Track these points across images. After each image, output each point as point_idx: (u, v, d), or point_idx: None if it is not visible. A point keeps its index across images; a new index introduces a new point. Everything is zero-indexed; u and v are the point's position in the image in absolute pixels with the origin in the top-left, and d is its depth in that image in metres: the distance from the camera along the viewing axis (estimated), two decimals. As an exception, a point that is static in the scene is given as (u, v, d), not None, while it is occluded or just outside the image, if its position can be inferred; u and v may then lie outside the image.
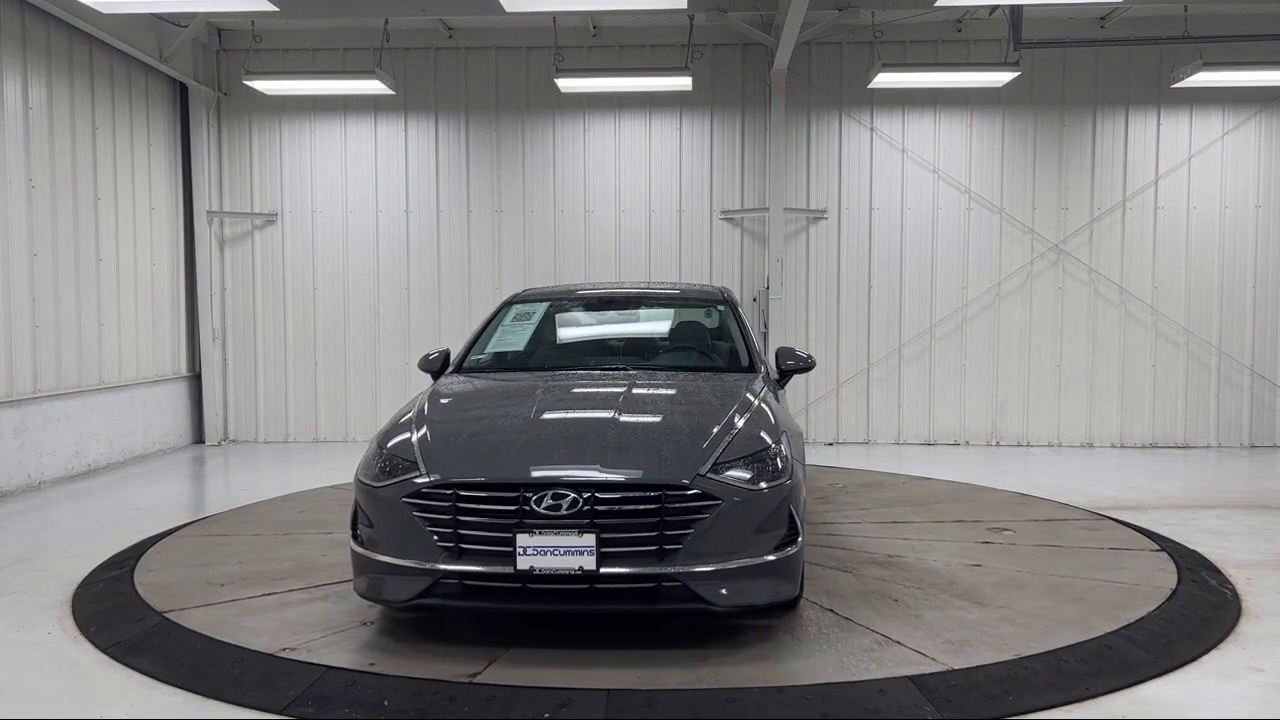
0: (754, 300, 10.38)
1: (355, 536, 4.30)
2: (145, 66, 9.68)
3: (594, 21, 10.08)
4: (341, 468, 8.97)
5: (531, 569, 3.86)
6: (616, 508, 3.90)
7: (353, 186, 10.68)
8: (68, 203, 8.61)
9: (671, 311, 6.30)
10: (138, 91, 9.70)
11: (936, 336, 10.48)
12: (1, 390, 7.76)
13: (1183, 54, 9.64)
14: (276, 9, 7.71)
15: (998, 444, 10.43)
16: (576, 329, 6.18)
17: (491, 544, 3.91)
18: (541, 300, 6.27)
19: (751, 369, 5.48)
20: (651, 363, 5.67)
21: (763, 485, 4.04)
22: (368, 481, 4.23)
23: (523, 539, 3.86)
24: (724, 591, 3.92)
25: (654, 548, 3.88)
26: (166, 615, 4.59)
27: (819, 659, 4.04)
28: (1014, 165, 10.39)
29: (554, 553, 3.84)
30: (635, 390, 4.87)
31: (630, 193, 10.59)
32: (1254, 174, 10.27)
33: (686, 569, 3.87)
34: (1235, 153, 10.26)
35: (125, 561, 5.59)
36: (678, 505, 3.90)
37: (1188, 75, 9.11)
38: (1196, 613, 4.65)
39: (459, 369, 5.60)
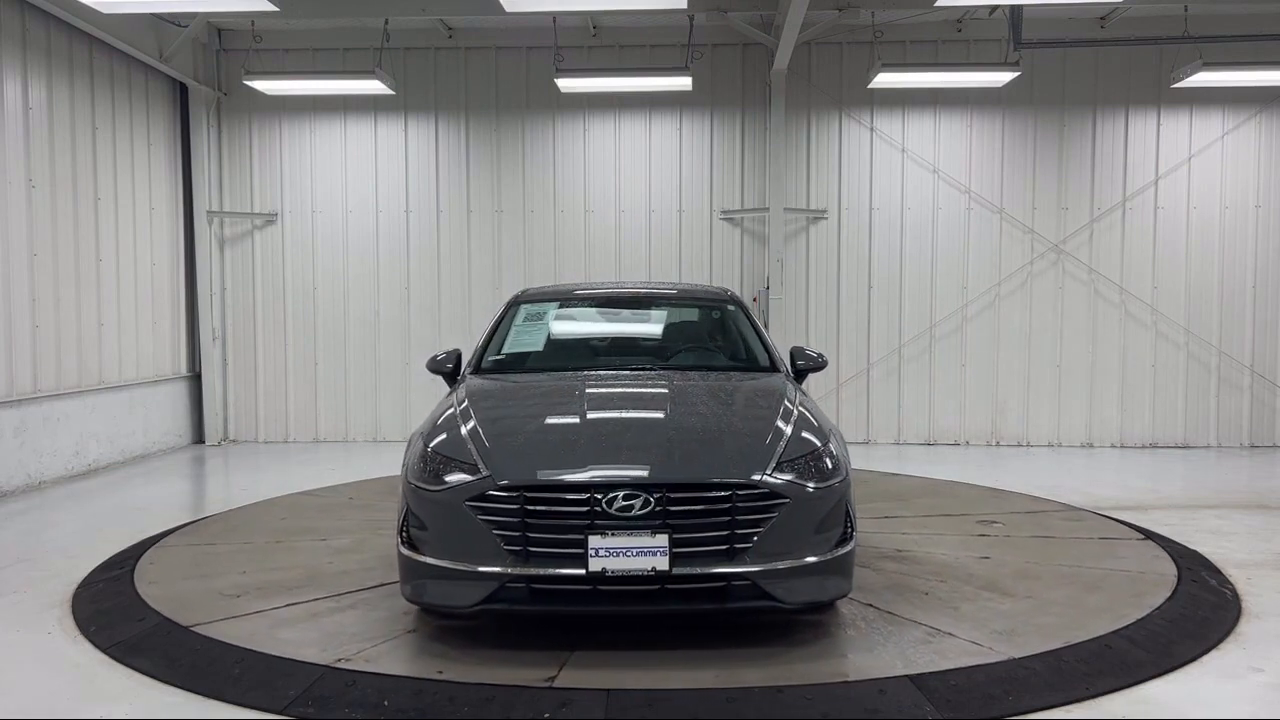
0: (754, 300, 10.38)
1: (405, 541, 4.17)
2: (145, 66, 9.68)
3: (594, 21, 10.08)
4: (341, 468, 8.98)
5: (604, 571, 3.83)
6: (689, 508, 3.91)
7: (353, 186, 10.68)
8: (68, 203, 8.61)
9: (683, 311, 6.28)
10: (138, 91, 9.70)
11: (936, 336, 10.49)
12: (1, 390, 7.76)
13: (1183, 54, 9.64)
14: (276, 9, 7.71)
15: (998, 444, 10.43)
16: (592, 328, 6.11)
17: (561, 546, 3.87)
18: (550, 300, 6.19)
19: (774, 368, 5.53)
20: (676, 363, 5.68)
21: (825, 483, 4.12)
22: (423, 485, 4.12)
23: (595, 540, 3.83)
24: (792, 589, 3.98)
25: (725, 547, 3.90)
26: (194, 629, 4.39)
27: (882, 652, 4.11)
28: (1014, 165, 10.39)
29: (626, 554, 3.83)
30: (676, 390, 4.88)
31: (630, 193, 10.59)
32: (1254, 174, 10.27)
33: (756, 567, 3.90)
34: (1235, 153, 10.26)
35: (125, 561, 5.59)
36: (748, 504, 3.94)
37: (1188, 75, 9.11)
38: (1196, 613, 4.65)
39: (479, 369, 5.50)
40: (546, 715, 3.52)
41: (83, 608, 4.83)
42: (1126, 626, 4.38)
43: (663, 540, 3.83)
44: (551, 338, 5.94)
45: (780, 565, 3.93)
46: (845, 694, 3.68)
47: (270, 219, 10.70)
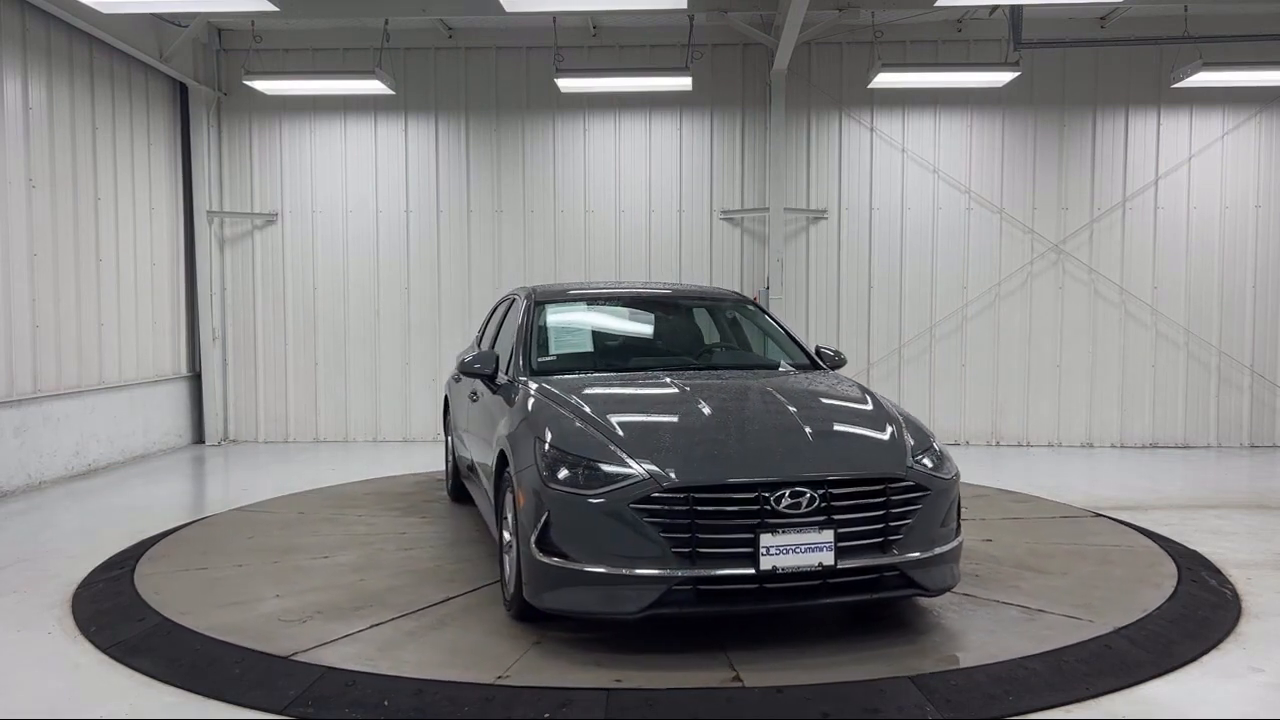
0: (754, 300, 10.38)
1: (546, 549, 4.01)
2: (145, 66, 9.68)
3: (594, 21, 10.08)
4: (341, 468, 8.97)
5: (774, 569, 3.85)
6: (851, 502, 4.00)
7: (353, 186, 10.68)
8: (68, 203, 8.61)
9: (711, 311, 6.28)
10: (138, 91, 9.70)
11: (936, 336, 10.48)
12: (1, 390, 7.76)
13: (1183, 54, 9.63)
14: (276, 9, 7.71)
15: (998, 444, 10.43)
16: (628, 329, 6.05)
17: (731, 546, 3.86)
18: (573, 300, 6.08)
19: (815, 365, 5.63)
20: (726, 360, 5.78)
21: (951, 474, 4.32)
22: (575, 489, 3.98)
23: (766, 539, 3.85)
24: (932, 577, 4.15)
25: (879, 539, 4.02)
26: (293, 658, 4.03)
27: (1004, 635, 4.27)
28: (1014, 165, 10.39)
29: (795, 551, 3.87)
30: (776, 388, 4.92)
31: (630, 193, 10.59)
32: (1254, 174, 10.27)
33: (905, 557, 4.03)
34: (1235, 153, 10.26)
35: (125, 561, 5.58)
36: (900, 497, 4.07)
37: (1188, 75, 9.11)
38: (1196, 613, 4.65)
39: (534, 371, 5.22)
40: (547, 715, 3.52)
41: (83, 608, 4.82)
42: (1127, 626, 4.38)
43: (828, 536, 3.91)
44: (596, 339, 5.86)
45: (923, 554, 4.09)
46: (845, 694, 3.68)
47: (270, 219, 10.69)
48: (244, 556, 5.63)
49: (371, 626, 4.41)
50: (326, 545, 5.89)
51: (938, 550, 4.15)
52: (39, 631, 4.52)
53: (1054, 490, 7.69)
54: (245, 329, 10.79)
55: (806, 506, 3.91)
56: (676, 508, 3.86)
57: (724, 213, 10.54)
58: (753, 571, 3.84)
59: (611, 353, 5.75)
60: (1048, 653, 4.06)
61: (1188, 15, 9.30)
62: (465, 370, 5.43)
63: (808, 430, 4.29)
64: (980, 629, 4.35)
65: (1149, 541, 5.99)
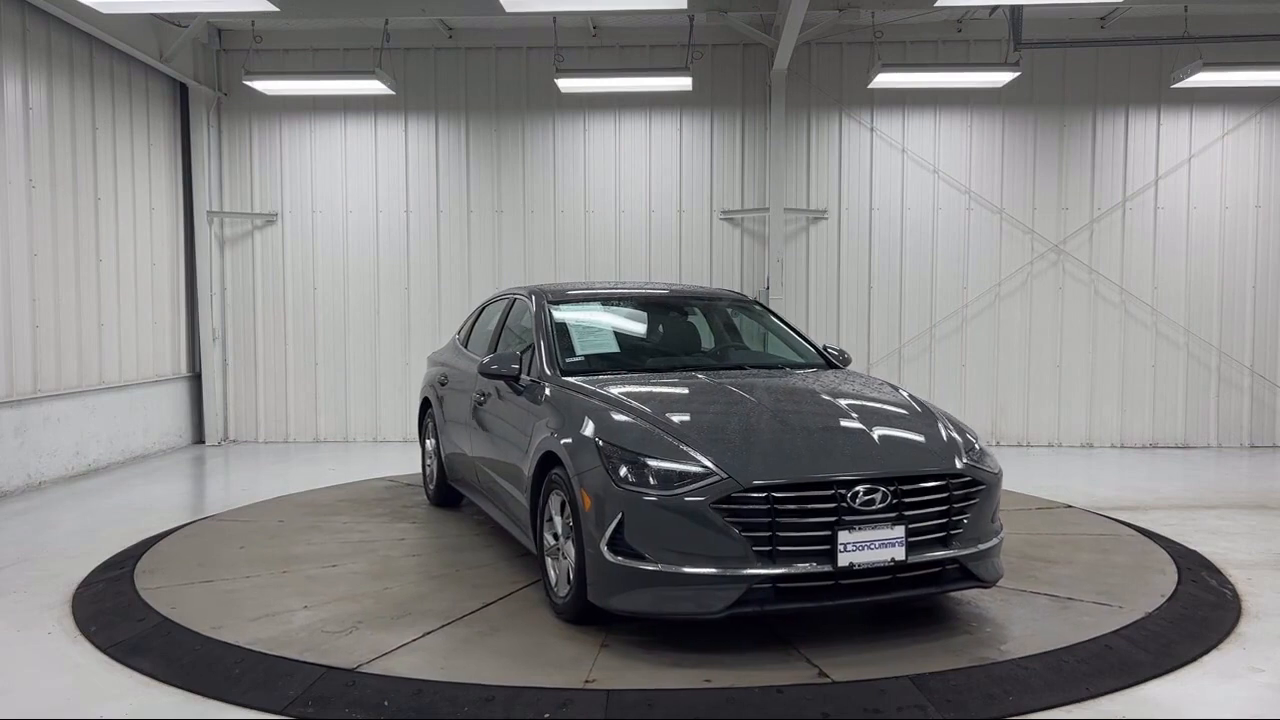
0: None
1: (618, 550, 3.99)
2: (145, 66, 9.68)
3: (594, 21, 10.08)
4: (341, 468, 8.98)
5: (851, 565, 3.92)
6: (919, 498, 4.10)
7: (353, 186, 10.68)
8: (68, 203, 8.61)
9: (718, 311, 6.30)
10: (138, 91, 9.70)
11: (937, 336, 10.49)
12: (1, 390, 7.76)
13: (1183, 54, 9.64)
14: (276, 9, 7.71)
15: (998, 444, 10.43)
16: (648, 328, 6.02)
17: (810, 544, 3.92)
18: (587, 300, 6.03)
19: (829, 364, 5.72)
20: (752, 360, 5.82)
21: (997, 469, 4.46)
22: (651, 490, 3.96)
23: (844, 536, 3.91)
24: (986, 569, 4.30)
25: (943, 534, 4.13)
26: (360, 670, 3.90)
27: (1047, 624, 4.41)
28: (1014, 165, 10.39)
29: (870, 547, 3.95)
30: (821, 387, 4.99)
31: (630, 193, 10.59)
32: (1254, 174, 10.27)
33: (965, 550, 4.17)
34: (1235, 153, 10.26)
35: (125, 561, 5.58)
36: (961, 491, 4.20)
37: (1188, 75, 9.11)
38: (1196, 613, 4.65)
39: (564, 370, 5.14)
40: (547, 715, 3.52)
41: (83, 608, 4.82)
42: (1126, 626, 4.38)
43: (900, 531, 4.00)
44: (618, 339, 5.84)
45: (980, 548, 4.24)
46: (845, 693, 3.68)
47: (270, 219, 10.70)
48: (245, 567, 5.41)
49: (424, 635, 4.30)
50: (328, 554, 5.70)
51: (991, 543, 4.33)
52: (39, 631, 4.52)
53: (1054, 490, 7.69)
54: (245, 329, 10.79)
55: (880, 503, 4.00)
56: (757, 506, 3.90)
57: (724, 213, 10.54)
58: (830, 568, 3.91)
59: (634, 353, 5.73)
60: (1049, 652, 4.06)
61: (1188, 15, 9.30)
62: (486, 372, 5.28)
63: (868, 429, 4.37)
64: (1021, 618, 4.50)
65: (1149, 541, 5.99)
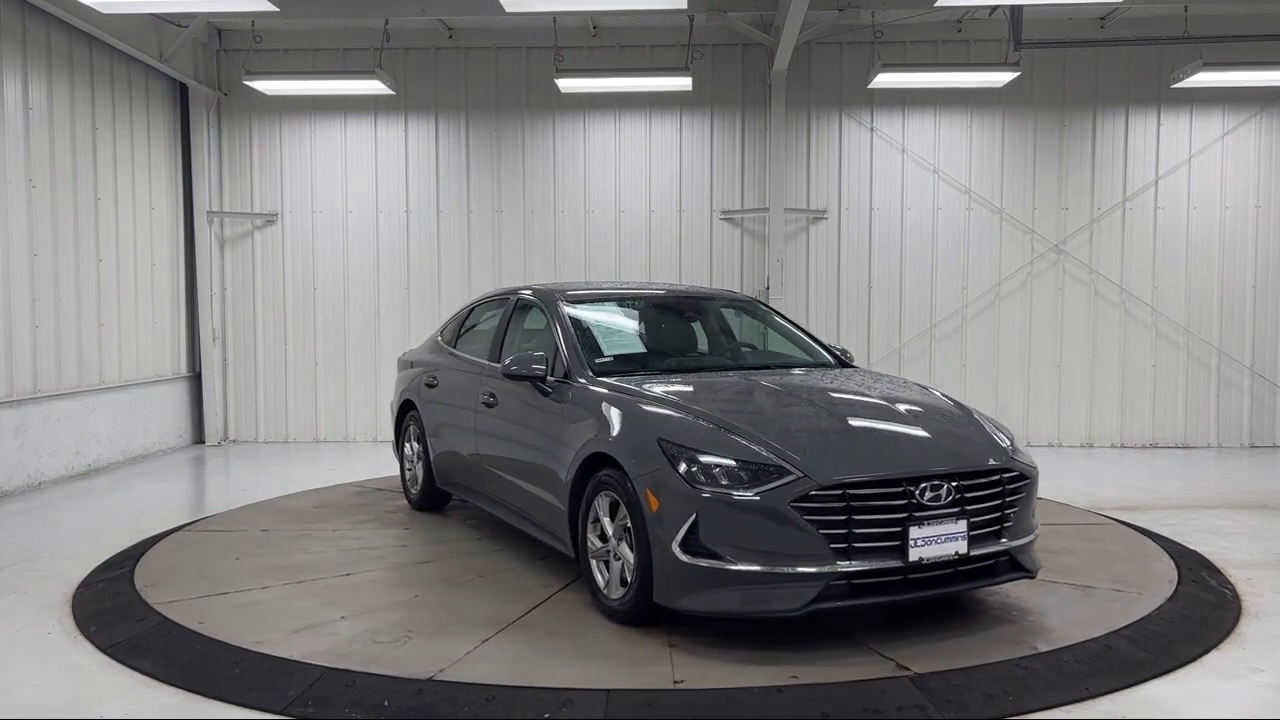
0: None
1: (692, 550, 3.99)
2: (145, 66, 9.68)
3: (594, 21, 10.08)
4: (341, 468, 8.98)
5: (920, 560, 4.02)
6: (979, 493, 4.22)
7: (353, 187, 10.68)
8: (68, 202, 8.61)
9: (728, 312, 6.32)
10: (138, 91, 9.70)
11: (937, 336, 10.49)
12: (1, 390, 7.76)
13: (1183, 54, 9.64)
14: (276, 9, 7.71)
15: (998, 444, 10.43)
16: (664, 329, 6.01)
17: (882, 539, 4.00)
18: (601, 300, 5.98)
19: (842, 363, 5.82)
20: (772, 360, 5.86)
21: (1035, 464, 4.58)
22: (728, 490, 3.98)
23: (914, 531, 4.01)
24: (1031, 560, 4.46)
25: (996, 527, 4.27)
26: (437, 678, 3.82)
27: (1074, 613, 4.56)
28: (1014, 165, 10.39)
29: (936, 541, 4.06)
30: (857, 385, 5.11)
31: (630, 193, 10.59)
32: (1254, 174, 10.27)
33: (1015, 543, 4.32)
34: (1235, 153, 10.26)
35: (125, 561, 5.58)
36: (1011, 486, 4.34)
37: (1188, 75, 9.10)
38: (1196, 613, 4.65)
39: (598, 371, 5.09)
40: (547, 715, 3.52)
41: (83, 608, 4.82)
42: (1126, 626, 4.39)
43: (962, 525, 4.12)
44: (642, 339, 5.81)
45: (1025, 540, 4.40)
46: (845, 693, 3.68)
47: (270, 219, 10.70)
48: (254, 578, 5.18)
49: (483, 642, 4.22)
50: (334, 562, 5.51)
51: (1033, 536, 4.48)
52: (39, 631, 4.52)
53: (1053, 491, 7.68)
54: (245, 329, 10.79)
55: (945, 499, 4.11)
56: (834, 504, 3.95)
57: (724, 213, 10.54)
58: (900, 563, 3.99)
59: (658, 353, 5.68)
60: (1048, 652, 4.06)
61: (1188, 15, 9.30)
62: (509, 374, 5.18)
63: (924, 427, 4.51)
64: (1056, 608, 4.64)
65: (1149, 542, 5.99)
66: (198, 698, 3.75)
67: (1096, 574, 5.20)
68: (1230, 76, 9.30)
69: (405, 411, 7.09)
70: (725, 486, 4.00)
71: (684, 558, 4.01)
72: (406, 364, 7.31)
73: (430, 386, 6.66)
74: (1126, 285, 10.34)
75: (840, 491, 3.96)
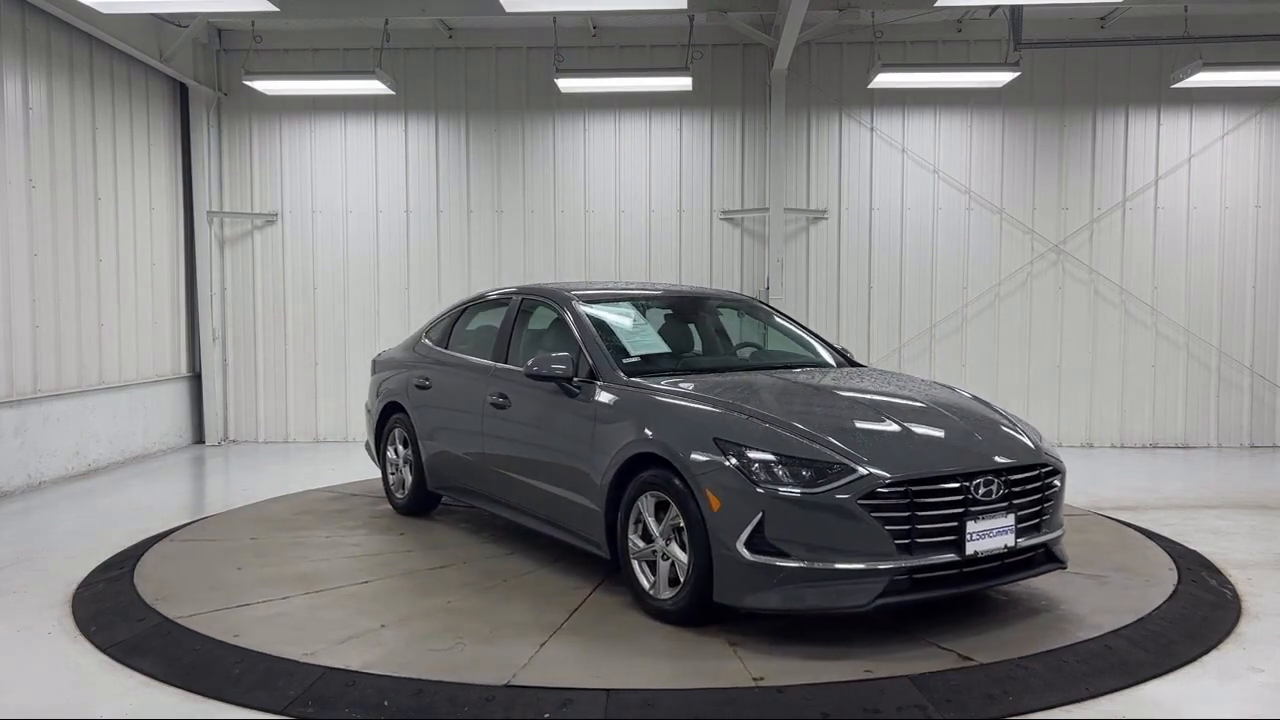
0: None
1: (758, 549, 4.00)
2: (145, 66, 9.68)
3: (594, 21, 10.08)
4: (342, 468, 8.97)
5: (975, 553, 4.13)
6: (1024, 488, 4.36)
7: (353, 187, 10.68)
8: (68, 202, 8.61)
9: (737, 313, 6.38)
10: (138, 91, 9.70)
11: (937, 336, 10.49)
12: (1, 390, 7.76)
13: (1183, 54, 9.64)
14: (276, 9, 7.71)
15: (998, 444, 10.44)
16: (679, 329, 6.00)
17: (941, 534, 4.09)
18: (612, 301, 5.91)
19: (852, 363, 5.93)
20: (788, 361, 5.88)
21: (1061, 458, 4.71)
22: (795, 488, 3.99)
23: (971, 525, 4.12)
24: (1064, 552, 4.62)
25: (1036, 520, 4.42)
26: (512, 685, 3.78)
27: (1093, 600, 4.72)
28: (1014, 165, 10.39)
29: (989, 535, 4.18)
30: (894, 386, 5.20)
31: (630, 193, 10.59)
32: (1254, 174, 10.27)
33: (1051, 535, 4.50)
34: (1235, 153, 10.26)
35: (125, 561, 5.58)
36: (1049, 480, 4.51)
37: (1188, 75, 9.10)
38: (1196, 613, 4.65)
39: (630, 370, 5.05)
40: (547, 715, 3.52)
41: (83, 608, 4.82)
42: (1126, 626, 4.39)
43: (1011, 519, 4.25)
44: (664, 340, 5.77)
45: (1059, 532, 4.57)
46: (845, 693, 3.68)
47: (270, 219, 10.70)
48: (267, 589, 4.97)
49: (541, 646, 4.17)
50: (345, 570, 5.34)
51: (1063, 529, 4.65)
52: (39, 631, 4.52)
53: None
54: (245, 329, 10.79)
55: (996, 494, 4.23)
56: (898, 500, 4.03)
57: (724, 213, 10.54)
58: (957, 557, 4.09)
59: (680, 354, 5.68)
60: (1047, 652, 4.06)
61: (1188, 15, 9.30)
62: (537, 375, 5.08)
63: (968, 425, 4.60)
64: (1082, 596, 4.79)
65: (1149, 542, 5.99)
66: (198, 698, 3.75)
67: (1107, 564, 5.34)
68: (1230, 76, 9.30)
69: (389, 414, 6.88)
70: (790, 484, 4.03)
71: (749, 556, 4.02)
72: (384, 365, 7.16)
73: (422, 388, 6.46)
74: (1126, 285, 10.35)
75: (904, 488, 4.04)
